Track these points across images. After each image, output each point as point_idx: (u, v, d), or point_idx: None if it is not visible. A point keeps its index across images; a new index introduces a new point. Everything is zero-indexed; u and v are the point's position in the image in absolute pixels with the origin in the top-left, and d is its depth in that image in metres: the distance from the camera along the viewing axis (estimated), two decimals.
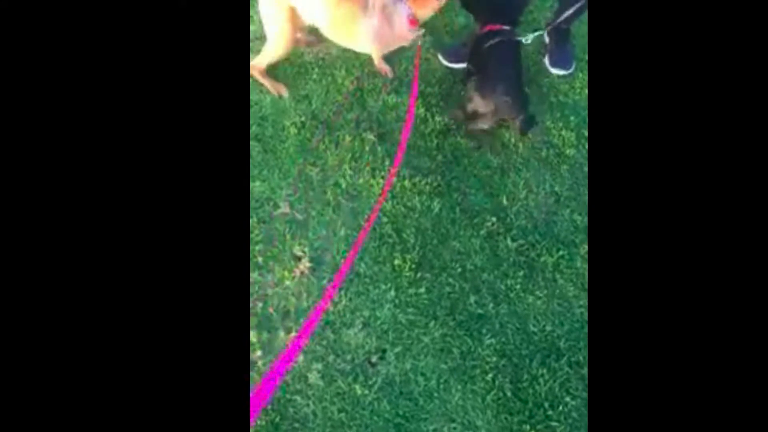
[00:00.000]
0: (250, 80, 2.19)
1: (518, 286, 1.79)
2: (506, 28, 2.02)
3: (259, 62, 2.14)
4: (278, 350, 1.57)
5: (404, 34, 2.09)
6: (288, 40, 2.07)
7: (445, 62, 2.45)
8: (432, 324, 1.67)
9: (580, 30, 2.58)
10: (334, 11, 1.98)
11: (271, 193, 1.92)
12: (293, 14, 1.99)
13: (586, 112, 2.25)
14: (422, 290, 1.74)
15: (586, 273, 1.82)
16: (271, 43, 2.08)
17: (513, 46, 2.02)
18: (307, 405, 1.49)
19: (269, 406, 1.48)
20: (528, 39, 2.06)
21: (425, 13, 2.08)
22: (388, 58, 2.28)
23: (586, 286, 1.80)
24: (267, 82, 2.19)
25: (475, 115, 2.02)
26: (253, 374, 1.53)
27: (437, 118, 2.20)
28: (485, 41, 2.00)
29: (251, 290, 1.69)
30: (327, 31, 2.08)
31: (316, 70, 2.31)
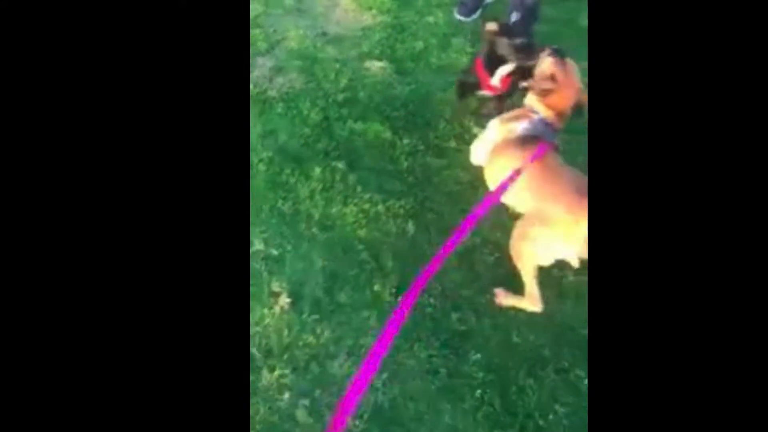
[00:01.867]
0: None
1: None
2: None
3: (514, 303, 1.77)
4: (264, 391, 1.56)
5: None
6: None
7: (459, 17, 2.62)
8: (416, 346, 1.67)
9: (581, 50, 2.63)
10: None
11: None
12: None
13: None
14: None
15: (562, 279, 1.84)
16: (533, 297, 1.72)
17: None
18: None
19: None
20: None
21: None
22: None
23: (564, 292, 1.82)
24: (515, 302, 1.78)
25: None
26: None
27: (405, 141, 2.23)
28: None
29: None
30: None
31: (281, 104, 2.33)
